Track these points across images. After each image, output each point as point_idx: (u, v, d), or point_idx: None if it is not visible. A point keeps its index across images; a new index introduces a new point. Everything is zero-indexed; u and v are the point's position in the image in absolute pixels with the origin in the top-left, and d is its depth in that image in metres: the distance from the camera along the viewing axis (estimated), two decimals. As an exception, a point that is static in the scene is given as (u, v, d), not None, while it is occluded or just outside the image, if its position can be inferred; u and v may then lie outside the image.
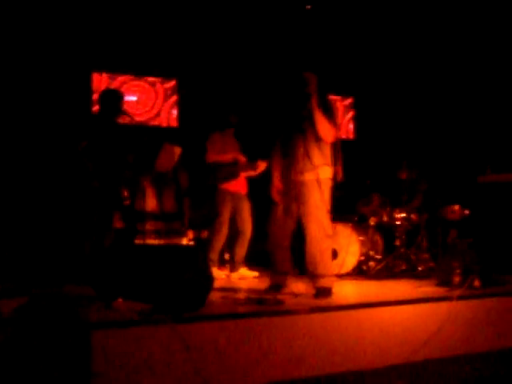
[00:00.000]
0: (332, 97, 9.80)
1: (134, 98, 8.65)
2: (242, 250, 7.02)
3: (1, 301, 4.63)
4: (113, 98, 6.30)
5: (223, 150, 6.98)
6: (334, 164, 5.55)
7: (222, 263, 7.22)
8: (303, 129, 5.41)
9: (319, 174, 5.38)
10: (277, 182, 5.61)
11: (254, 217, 7.08)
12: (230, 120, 7.08)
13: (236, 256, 7.02)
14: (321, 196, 5.36)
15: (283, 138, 5.58)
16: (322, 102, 5.43)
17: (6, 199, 7.22)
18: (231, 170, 6.91)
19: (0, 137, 7.45)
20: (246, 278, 6.90)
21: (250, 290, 5.82)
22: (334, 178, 5.52)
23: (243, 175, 7.03)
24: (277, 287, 5.55)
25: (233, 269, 7.03)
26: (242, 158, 6.99)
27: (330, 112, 5.49)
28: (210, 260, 6.74)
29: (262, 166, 6.85)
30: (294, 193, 5.39)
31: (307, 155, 5.38)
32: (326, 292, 5.31)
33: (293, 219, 5.49)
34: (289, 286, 5.63)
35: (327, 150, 5.52)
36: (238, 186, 7.00)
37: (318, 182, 5.37)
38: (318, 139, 5.43)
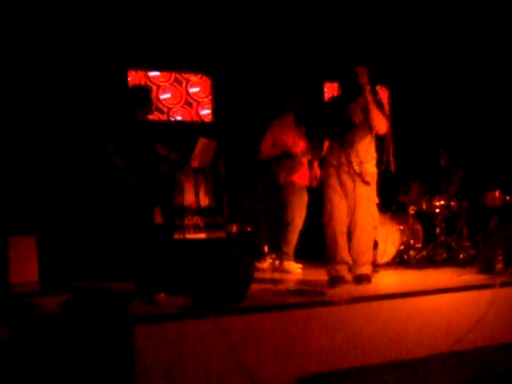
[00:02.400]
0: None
1: (168, 95, 8.69)
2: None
3: (45, 297, 4.72)
4: (142, 95, 6.33)
5: (281, 139, 6.82)
6: (387, 155, 5.55)
7: (262, 256, 7.18)
8: (356, 122, 5.46)
9: (370, 167, 5.50)
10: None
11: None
12: (289, 106, 6.99)
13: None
14: (372, 188, 5.50)
15: (333, 130, 5.57)
16: (373, 94, 5.48)
17: (49, 198, 7.32)
18: (291, 164, 6.81)
19: (41, 137, 7.56)
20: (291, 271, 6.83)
21: (293, 282, 5.84)
22: (387, 169, 5.52)
23: (305, 166, 6.85)
24: (339, 279, 5.41)
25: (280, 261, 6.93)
26: (297, 149, 6.80)
27: (380, 103, 5.56)
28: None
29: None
30: (347, 184, 5.44)
31: (360, 148, 5.47)
32: (366, 278, 5.43)
33: (344, 209, 5.50)
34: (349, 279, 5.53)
35: (374, 144, 5.58)
36: (302, 177, 6.83)
37: (369, 175, 5.49)
38: (370, 132, 5.50)
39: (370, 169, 5.51)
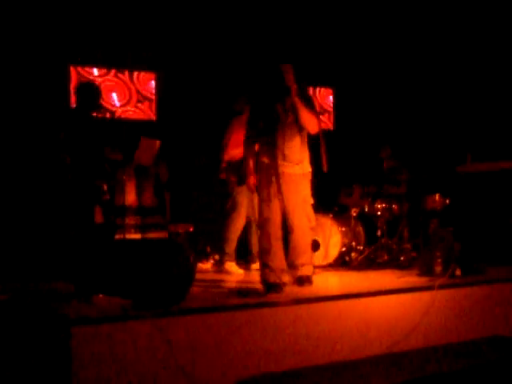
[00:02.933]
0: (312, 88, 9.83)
1: (112, 93, 8.58)
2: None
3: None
4: (89, 91, 6.23)
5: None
6: (320, 154, 5.50)
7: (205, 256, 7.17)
8: (285, 121, 5.36)
9: (304, 168, 5.43)
10: (253, 174, 5.60)
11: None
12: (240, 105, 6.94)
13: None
14: (306, 189, 5.44)
15: (264, 131, 5.43)
16: (301, 93, 5.39)
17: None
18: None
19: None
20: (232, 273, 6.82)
21: (234, 283, 5.81)
22: (319, 169, 5.47)
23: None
24: (276, 286, 5.16)
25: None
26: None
27: (310, 102, 5.48)
28: (225, 254, 6.73)
29: None
30: (279, 186, 5.29)
31: (291, 148, 5.37)
32: (308, 280, 5.40)
33: (279, 211, 5.36)
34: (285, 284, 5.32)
35: (306, 144, 5.51)
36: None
37: (303, 175, 5.43)
38: (301, 131, 5.42)
39: (304, 169, 5.43)
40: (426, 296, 5.02)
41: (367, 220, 7.56)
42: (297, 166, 5.39)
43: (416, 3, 9.02)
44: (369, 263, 7.03)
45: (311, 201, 5.53)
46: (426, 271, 5.88)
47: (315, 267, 5.93)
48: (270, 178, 5.34)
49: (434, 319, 4.97)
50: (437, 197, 7.19)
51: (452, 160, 8.01)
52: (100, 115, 6.30)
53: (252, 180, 5.63)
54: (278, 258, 5.29)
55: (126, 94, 8.75)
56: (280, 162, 5.30)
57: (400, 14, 9.21)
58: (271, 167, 5.33)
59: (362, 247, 7.35)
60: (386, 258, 7.13)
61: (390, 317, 4.82)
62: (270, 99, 5.47)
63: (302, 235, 5.45)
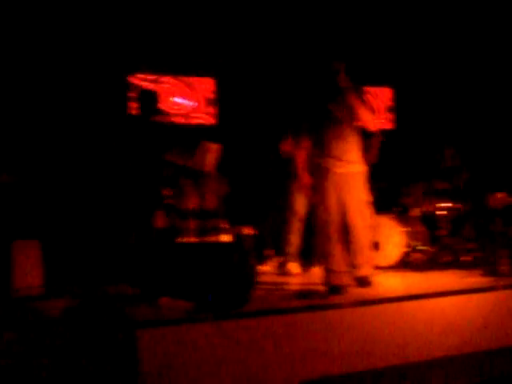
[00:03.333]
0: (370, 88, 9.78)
1: (173, 98, 8.72)
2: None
3: (49, 301, 4.73)
4: (148, 98, 6.35)
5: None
6: (372, 149, 5.46)
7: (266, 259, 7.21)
8: (339, 121, 5.33)
9: (358, 167, 5.40)
10: (308, 176, 5.59)
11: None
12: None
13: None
14: (362, 188, 5.39)
15: (317, 130, 5.41)
16: (357, 91, 5.37)
17: (53, 202, 7.35)
18: None
19: (46, 142, 7.61)
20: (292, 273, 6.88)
21: (296, 285, 5.83)
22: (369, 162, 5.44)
23: None
24: (340, 288, 5.16)
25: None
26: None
27: (364, 100, 5.45)
28: (287, 255, 6.78)
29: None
30: (338, 185, 5.29)
31: (346, 148, 5.33)
32: (368, 281, 5.40)
33: (337, 212, 5.34)
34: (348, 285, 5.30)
35: (360, 143, 5.45)
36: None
37: (358, 174, 5.39)
38: (355, 130, 5.38)
39: (359, 168, 5.39)
40: (490, 296, 4.95)
41: (429, 220, 7.48)
42: (351, 165, 5.35)
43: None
44: (431, 264, 6.95)
45: (368, 199, 5.49)
46: (490, 271, 5.79)
47: (377, 268, 5.91)
48: (324, 179, 5.32)
49: (499, 320, 4.88)
50: (501, 195, 7.07)
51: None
52: (161, 120, 6.42)
53: (305, 180, 5.61)
54: (339, 261, 5.27)
55: (186, 100, 8.87)
56: (334, 162, 5.28)
57: (464, 10, 9.06)
58: (325, 168, 5.31)
59: (424, 247, 7.27)
60: (448, 258, 7.03)
61: (453, 318, 4.76)
62: (323, 98, 5.43)
63: (361, 235, 5.43)
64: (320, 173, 5.36)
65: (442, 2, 9.00)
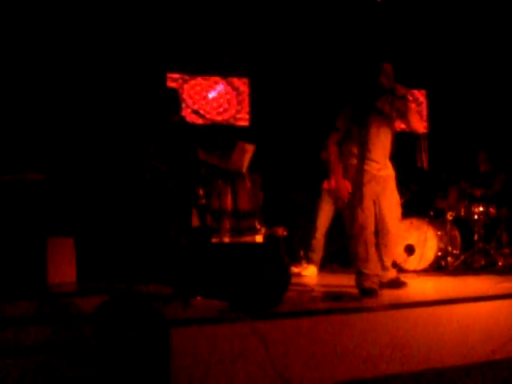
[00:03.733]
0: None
1: (207, 98, 8.76)
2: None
3: (83, 298, 4.77)
4: (171, 97, 6.37)
5: None
6: (420, 153, 5.43)
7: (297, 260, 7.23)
8: (385, 124, 5.30)
9: (392, 169, 5.42)
10: (344, 182, 5.47)
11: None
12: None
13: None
14: (396, 190, 5.43)
15: (360, 132, 5.24)
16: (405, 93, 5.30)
17: (88, 199, 7.43)
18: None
19: (80, 141, 7.69)
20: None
21: (328, 286, 5.81)
22: (422, 168, 5.40)
23: None
24: (373, 292, 5.10)
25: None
26: None
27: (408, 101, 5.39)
28: (311, 260, 6.88)
29: None
30: (376, 189, 5.25)
31: (385, 150, 5.34)
32: (399, 282, 5.47)
33: (373, 216, 5.27)
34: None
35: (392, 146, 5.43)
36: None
37: (393, 177, 5.41)
38: (393, 133, 5.35)
39: (392, 171, 5.41)
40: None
41: (464, 224, 7.41)
42: (389, 167, 5.37)
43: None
44: (465, 268, 6.91)
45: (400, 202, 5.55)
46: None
47: (411, 271, 5.89)
48: (362, 181, 5.17)
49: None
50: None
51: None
52: (196, 120, 6.45)
53: (341, 184, 5.53)
54: (374, 265, 5.22)
55: (221, 100, 8.90)
56: (374, 164, 5.25)
57: (497, 15, 8.98)
58: (366, 170, 5.19)
59: (458, 252, 7.22)
60: (483, 262, 6.98)
61: (487, 324, 4.71)
62: (367, 99, 5.35)
63: (396, 238, 5.47)
64: (358, 175, 5.21)
65: (478, 6, 8.91)
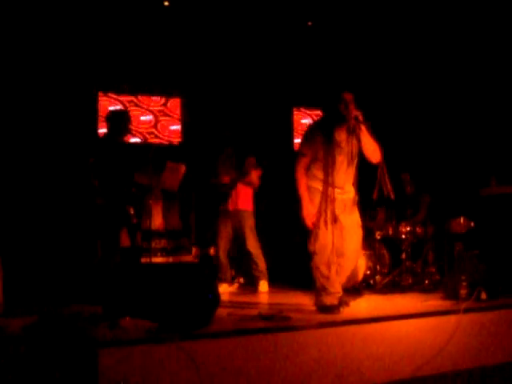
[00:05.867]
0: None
1: (139, 118, 8.73)
2: (252, 265, 7.14)
3: (9, 319, 4.66)
4: (120, 119, 6.36)
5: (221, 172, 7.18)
6: (383, 183, 5.48)
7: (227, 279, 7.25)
8: (344, 149, 5.39)
9: (353, 192, 5.49)
10: (311, 207, 5.41)
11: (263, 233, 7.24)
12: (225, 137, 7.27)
13: (254, 272, 7.14)
14: (357, 213, 5.52)
15: (318, 157, 5.42)
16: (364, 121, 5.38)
17: (15, 218, 7.27)
18: (224, 189, 7.09)
19: (10, 155, 7.55)
20: (260, 291, 7.03)
21: (259, 306, 5.83)
22: (387, 197, 5.46)
23: (241, 190, 7.13)
24: (332, 308, 5.24)
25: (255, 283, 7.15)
26: (227, 177, 7.14)
27: (370, 130, 5.44)
28: (220, 279, 6.93)
29: (254, 173, 7.02)
30: (336, 210, 5.32)
31: (347, 176, 5.43)
32: (346, 303, 5.49)
33: (334, 237, 5.36)
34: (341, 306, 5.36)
35: (357, 169, 5.52)
36: (235, 203, 7.12)
37: (354, 200, 5.49)
38: (356, 159, 5.45)
39: (353, 193, 5.49)
40: (451, 320, 4.99)
41: (391, 243, 7.55)
42: (350, 191, 5.46)
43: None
44: (393, 287, 7.02)
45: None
46: (451, 295, 5.85)
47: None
48: (325, 204, 5.33)
49: (459, 343, 4.93)
50: (461, 220, 7.19)
51: (476, 183, 7.99)
52: (128, 139, 6.42)
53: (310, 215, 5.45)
54: (336, 283, 5.36)
55: (152, 119, 8.88)
56: (334, 188, 5.34)
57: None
58: (327, 193, 5.33)
59: (386, 270, 7.33)
60: (410, 281, 7.10)
61: (414, 340, 4.81)
62: (328, 126, 5.46)
63: (354, 259, 5.55)
64: (321, 198, 5.36)
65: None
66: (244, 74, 9.16)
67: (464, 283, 5.80)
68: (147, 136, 8.74)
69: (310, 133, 5.59)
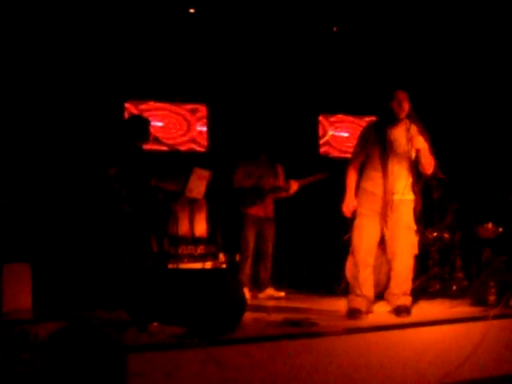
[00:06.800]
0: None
1: (159, 124, 8.78)
2: (264, 271, 7.21)
3: (38, 325, 4.72)
4: (140, 124, 6.41)
5: (248, 176, 7.22)
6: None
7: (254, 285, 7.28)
8: (397, 150, 5.36)
9: (406, 194, 5.42)
10: (352, 200, 5.49)
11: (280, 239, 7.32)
12: (254, 149, 7.34)
13: (260, 277, 7.22)
14: (410, 215, 5.44)
15: (371, 156, 5.44)
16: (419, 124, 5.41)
17: (45, 225, 7.36)
18: (255, 195, 7.12)
19: (40, 166, 7.65)
20: (273, 297, 7.07)
21: (285, 312, 5.82)
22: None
23: (270, 199, 7.20)
24: (356, 312, 5.27)
25: (259, 289, 7.22)
26: (268, 182, 7.17)
27: (426, 136, 5.43)
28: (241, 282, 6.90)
29: (294, 186, 7.01)
30: (383, 212, 5.33)
31: (398, 176, 5.37)
32: (406, 310, 5.36)
33: (378, 238, 5.43)
34: (368, 312, 5.38)
35: (413, 171, 5.46)
36: (262, 209, 7.18)
37: (405, 202, 5.41)
38: (411, 161, 5.41)
39: (408, 196, 5.42)
40: (479, 326, 4.95)
41: (419, 249, 7.49)
42: (400, 192, 5.37)
43: None
44: (420, 293, 6.96)
45: (415, 227, 5.51)
46: (479, 301, 5.80)
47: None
48: (370, 204, 5.38)
49: (487, 350, 4.89)
50: (489, 225, 7.12)
51: (505, 188, 7.91)
52: (154, 147, 6.47)
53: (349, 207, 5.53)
54: (366, 286, 5.36)
55: (179, 126, 8.93)
56: (383, 187, 5.33)
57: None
58: (374, 193, 5.37)
59: (413, 276, 7.28)
60: (437, 287, 7.05)
61: (442, 347, 4.78)
62: (382, 126, 5.47)
63: (404, 263, 5.44)
64: (367, 198, 5.42)
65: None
66: (269, 80, 9.17)
67: (492, 289, 5.75)
68: (173, 143, 8.78)
69: (364, 132, 5.64)
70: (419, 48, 9.25)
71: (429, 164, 5.43)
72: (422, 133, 5.38)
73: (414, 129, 5.39)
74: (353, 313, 5.24)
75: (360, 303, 5.32)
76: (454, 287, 6.97)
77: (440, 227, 7.33)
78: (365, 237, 5.36)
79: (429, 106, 9.31)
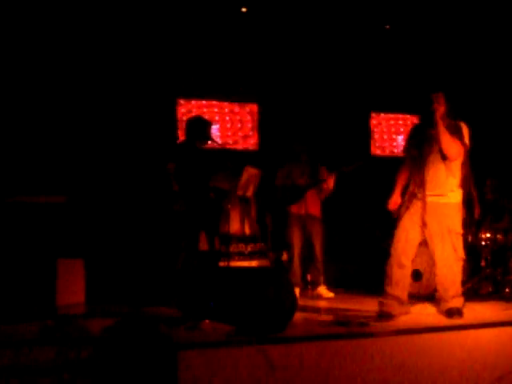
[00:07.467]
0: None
1: (216, 124, 8.85)
2: (315, 270, 7.22)
3: (91, 320, 4.80)
4: (200, 126, 6.48)
5: (287, 176, 7.26)
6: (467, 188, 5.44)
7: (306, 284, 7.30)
8: (430, 149, 5.35)
9: (450, 197, 5.36)
10: (397, 197, 5.55)
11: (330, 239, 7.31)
12: (295, 150, 7.35)
13: (312, 277, 7.25)
14: (454, 219, 5.36)
15: (414, 157, 5.45)
16: (448, 119, 5.35)
17: (99, 221, 7.48)
18: (293, 193, 7.15)
19: (97, 163, 7.79)
20: (323, 297, 7.03)
21: (334, 312, 5.82)
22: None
23: (311, 196, 7.19)
24: (386, 315, 5.23)
25: (312, 289, 7.24)
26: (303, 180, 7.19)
27: (458, 129, 5.35)
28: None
29: (329, 179, 7.04)
30: (424, 213, 5.30)
31: (435, 177, 5.32)
32: (458, 312, 5.30)
33: (417, 240, 5.40)
34: (401, 314, 5.32)
35: (458, 172, 5.41)
36: (303, 207, 7.14)
37: (449, 205, 5.35)
38: (444, 160, 5.33)
39: (450, 199, 5.35)
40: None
41: (471, 250, 7.40)
42: (441, 195, 5.32)
43: None
44: (472, 294, 6.87)
45: (461, 231, 5.43)
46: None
47: (417, 297, 5.90)
48: (411, 205, 5.37)
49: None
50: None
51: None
52: (208, 146, 6.54)
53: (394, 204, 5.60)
54: (398, 287, 5.33)
55: (230, 125, 8.99)
56: (421, 188, 5.31)
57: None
58: (414, 195, 5.36)
59: (465, 278, 7.19)
60: (490, 289, 6.95)
61: (495, 350, 4.70)
62: (423, 127, 5.49)
63: (448, 267, 5.37)
64: (408, 199, 5.43)
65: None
66: (320, 79, 9.16)
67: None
68: (224, 142, 8.83)
69: (410, 134, 5.73)
70: (471, 48, 9.12)
71: (447, 148, 5.25)
72: (454, 132, 5.30)
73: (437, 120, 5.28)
74: (382, 317, 5.18)
75: (390, 306, 5.27)
76: (507, 289, 6.86)
77: (494, 228, 7.22)
78: (402, 237, 5.34)
79: (480, 106, 9.25)
